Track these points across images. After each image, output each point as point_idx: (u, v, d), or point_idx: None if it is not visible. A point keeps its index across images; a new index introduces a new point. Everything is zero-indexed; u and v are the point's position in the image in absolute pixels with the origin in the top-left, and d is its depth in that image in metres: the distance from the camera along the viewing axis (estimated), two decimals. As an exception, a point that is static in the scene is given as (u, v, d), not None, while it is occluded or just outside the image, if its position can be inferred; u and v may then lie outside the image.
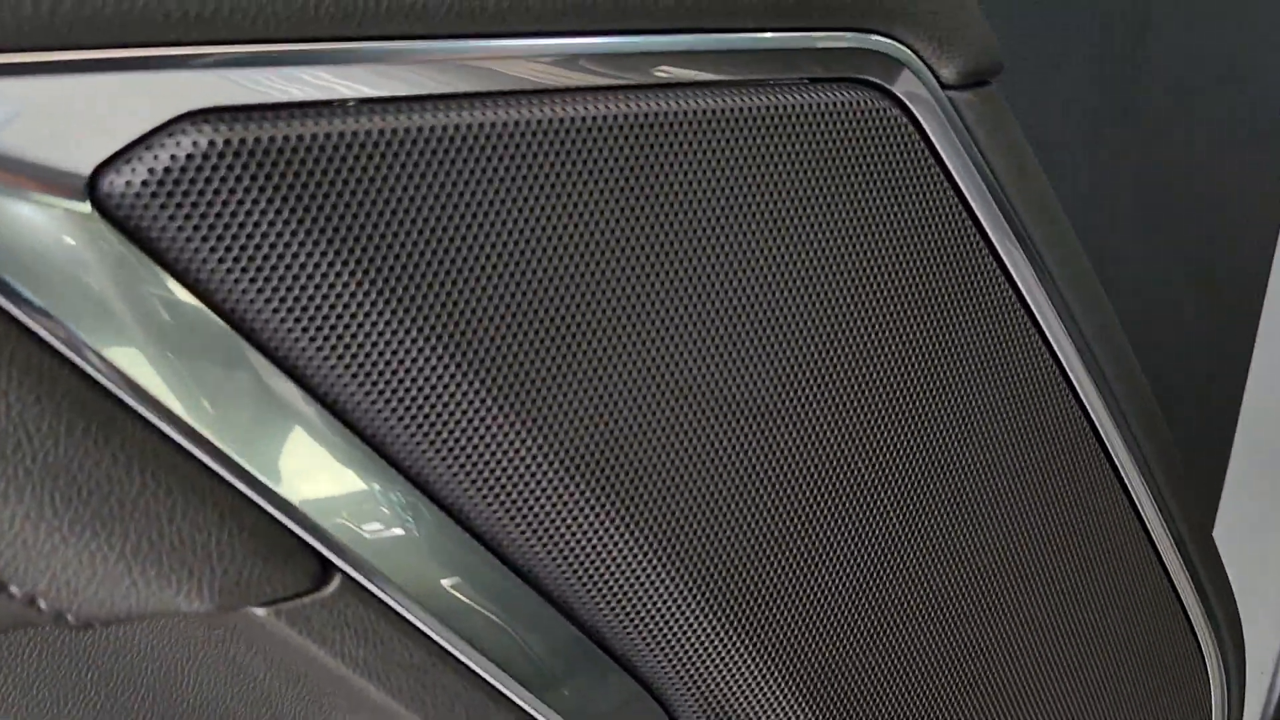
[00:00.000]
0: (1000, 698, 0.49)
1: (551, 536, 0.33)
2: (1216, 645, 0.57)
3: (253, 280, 0.26)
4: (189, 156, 0.24)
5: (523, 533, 0.32)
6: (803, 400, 0.36)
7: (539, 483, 0.32)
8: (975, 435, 0.42)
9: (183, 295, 0.26)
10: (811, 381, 0.36)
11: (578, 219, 0.30)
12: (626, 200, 0.30)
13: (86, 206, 0.24)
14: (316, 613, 0.30)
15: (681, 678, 0.38)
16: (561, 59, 0.29)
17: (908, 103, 0.34)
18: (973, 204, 0.37)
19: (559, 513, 0.32)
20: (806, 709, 0.40)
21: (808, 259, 0.34)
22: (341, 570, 0.30)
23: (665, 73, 0.31)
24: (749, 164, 0.32)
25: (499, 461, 0.31)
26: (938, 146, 0.35)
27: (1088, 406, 0.45)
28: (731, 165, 0.32)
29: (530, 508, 0.32)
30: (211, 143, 0.25)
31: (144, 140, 0.24)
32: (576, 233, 0.30)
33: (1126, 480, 0.48)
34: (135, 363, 0.26)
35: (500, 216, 0.29)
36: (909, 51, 0.34)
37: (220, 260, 0.26)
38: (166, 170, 0.24)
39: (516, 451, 0.31)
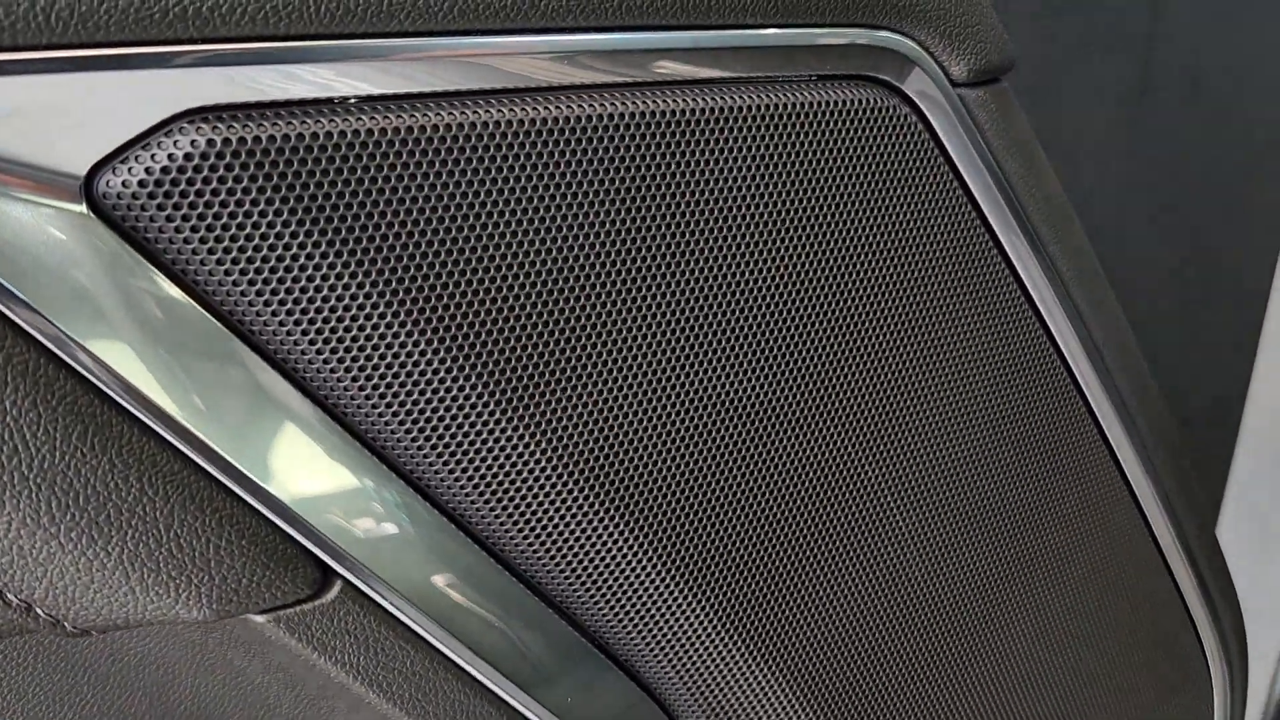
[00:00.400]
0: (1005, 699, 0.48)
1: (554, 540, 0.32)
2: (1220, 643, 0.57)
3: (251, 281, 0.26)
4: (187, 156, 0.24)
5: (525, 536, 0.32)
6: (809, 400, 0.36)
7: (541, 486, 0.31)
8: (979, 432, 0.41)
9: (179, 296, 0.25)
10: (818, 381, 0.36)
11: (578, 219, 0.29)
12: (629, 200, 0.30)
13: (82, 207, 0.24)
14: (317, 620, 0.29)
15: (684, 682, 0.37)
16: (562, 55, 0.29)
17: (918, 101, 0.34)
18: (981, 203, 0.37)
19: (561, 516, 0.32)
20: (810, 713, 0.40)
21: (814, 258, 0.34)
22: (342, 576, 0.29)
23: (666, 69, 0.31)
24: (756, 162, 0.32)
25: (500, 464, 0.30)
26: (947, 145, 0.35)
27: (1093, 405, 0.45)
28: (738, 164, 0.31)
29: (532, 511, 0.31)
30: (210, 141, 0.24)
31: (141, 139, 0.24)
32: (577, 232, 0.29)
33: (1131, 478, 0.48)
34: (131, 365, 0.25)
35: (501, 216, 0.28)
36: (919, 48, 0.34)
37: (219, 261, 0.25)
38: (164, 170, 0.24)
39: (519, 454, 0.30)
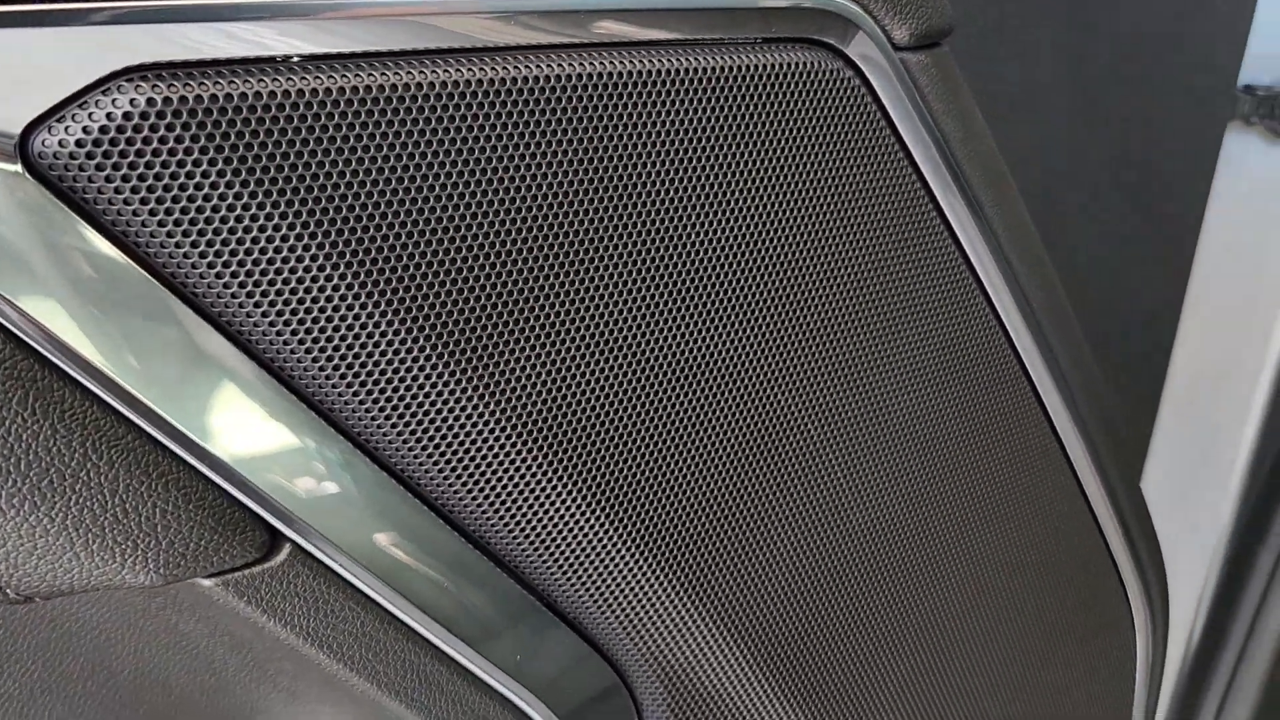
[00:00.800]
0: (939, 643, 0.50)
1: (502, 498, 0.33)
2: (1143, 588, 0.59)
3: (194, 242, 0.25)
4: (125, 115, 0.24)
5: (473, 495, 0.32)
6: (751, 357, 0.36)
7: (489, 445, 0.31)
8: (916, 387, 0.42)
9: (118, 257, 0.25)
10: (759, 338, 0.36)
11: (520, 180, 0.29)
12: (572, 162, 0.30)
13: (17, 167, 0.23)
14: (265, 583, 0.29)
15: (632, 638, 0.38)
16: (504, 15, 0.29)
17: (860, 64, 0.34)
18: (921, 165, 0.37)
19: (509, 475, 0.32)
20: (755, 667, 0.41)
21: (759, 219, 0.34)
22: (290, 539, 0.29)
23: (608, 30, 0.30)
24: (701, 125, 0.32)
25: (448, 424, 0.30)
26: (889, 108, 0.35)
27: (1025, 361, 0.46)
28: (682, 126, 0.31)
29: (480, 470, 0.32)
30: (150, 100, 0.24)
31: (78, 98, 0.23)
32: (520, 193, 0.29)
33: (1061, 433, 0.49)
34: (70, 328, 0.25)
35: (443, 176, 0.28)
36: (862, 12, 0.34)
37: (160, 222, 0.25)
38: (102, 129, 0.23)
39: (466, 413, 0.30)
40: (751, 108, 0.33)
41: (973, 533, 0.48)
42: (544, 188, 0.30)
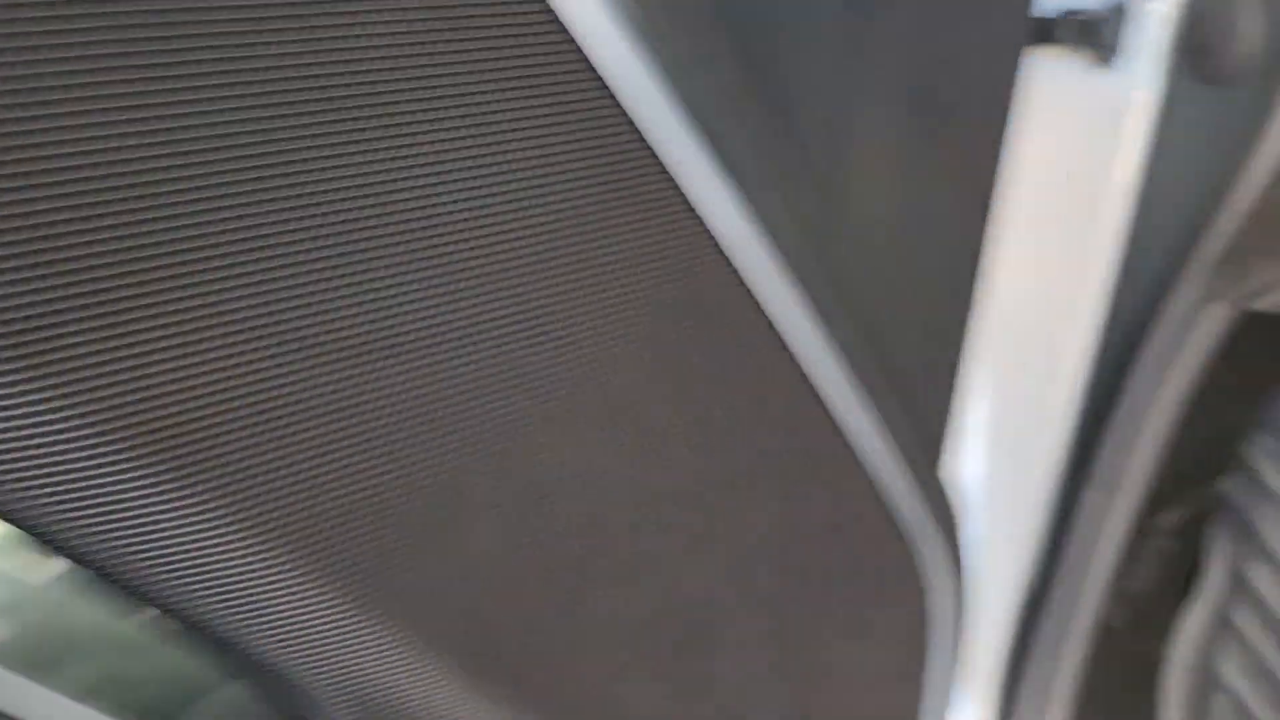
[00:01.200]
0: (689, 636, 0.45)
1: (102, 511, 0.27)
2: (934, 552, 0.55)
3: None
4: None
5: (64, 513, 0.26)
6: (429, 315, 0.30)
7: (87, 461, 0.25)
8: (642, 346, 0.37)
9: None
10: (441, 292, 0.30)
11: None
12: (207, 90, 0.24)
13: None
14: None
15: (313, 663, 0.32)
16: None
17: None
18: (618, 94, 0.31)
19: (101, 474, 0.26)
20: (453, 675, 0.36)
21: (424, 158, 0.28)
22: None
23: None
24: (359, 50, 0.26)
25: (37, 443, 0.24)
26: (567, 23, 0.30)
27: (769, 312, 0.39)
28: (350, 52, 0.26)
29: (85, 496, 0.26)
30: None
31: None
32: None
33: (827, 399, 0.44)
34: None
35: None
36: None
37: None
38: None
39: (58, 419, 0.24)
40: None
41: (720, 503, 0.43)
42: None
